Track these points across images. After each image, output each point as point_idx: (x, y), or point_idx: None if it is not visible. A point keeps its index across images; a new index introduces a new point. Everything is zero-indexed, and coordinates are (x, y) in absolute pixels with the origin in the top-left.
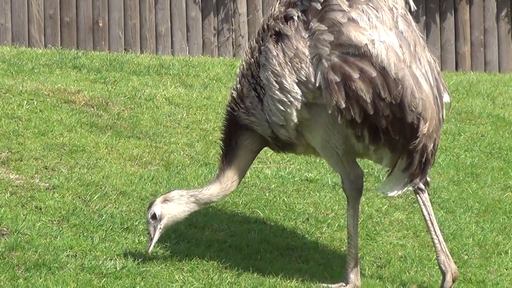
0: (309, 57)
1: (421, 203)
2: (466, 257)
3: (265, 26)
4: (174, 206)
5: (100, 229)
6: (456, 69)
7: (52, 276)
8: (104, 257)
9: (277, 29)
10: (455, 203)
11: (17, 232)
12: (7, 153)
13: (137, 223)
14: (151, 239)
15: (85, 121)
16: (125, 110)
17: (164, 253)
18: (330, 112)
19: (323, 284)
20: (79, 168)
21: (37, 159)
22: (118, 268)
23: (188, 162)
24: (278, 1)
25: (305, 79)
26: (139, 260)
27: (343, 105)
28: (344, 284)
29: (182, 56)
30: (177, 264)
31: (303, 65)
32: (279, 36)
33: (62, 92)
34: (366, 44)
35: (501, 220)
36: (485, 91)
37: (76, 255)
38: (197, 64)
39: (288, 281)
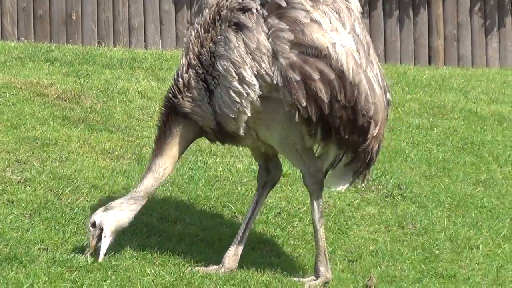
0: (269, 51)
1: (255, 202)
2: (437, 251)
3: (217, 16)
4: (115, 213)
5: (72, 222)
6: (429, 63)
7: (24, 269)
8: (76, 250)
9: (235, 20)
10: (427, 197)
11: None
12: None
13: None
14: (100, 250)
15: (58, 115)
16: (98, 104)
17: (135, 246)
18: (287, 109)
19: (295, 278)
20: (51, 162)
21: (9, 152)
22: (89, 262)
23: None
24: None
25: (264, 72)
26: (111, 253)
27: (304, 104)
28: (315, 278)
29: (155, 50)
30: (148, 257)
31: (264, 58)
32: (239, 27)
33: (35, 85)
34: (327, 47)
35: (472, 215)
36: (458, 86)
37: (47, 249)
38: (170, 58)
39: (260, 275)
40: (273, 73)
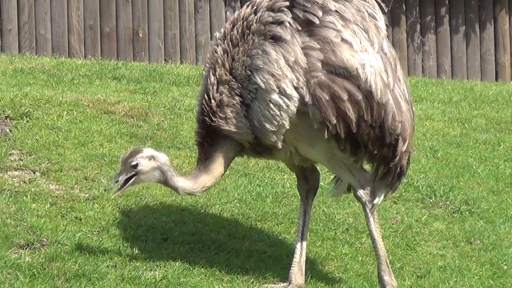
0: (305, 64)
1: (302, 213)
2: (506, 267)
3: (246, 30)
4: (153, 169)
5: (139, 239)
6: (496, 79)
7: (92, 287)
8: (144, 267)
9: (271, 33)
10: (495, 213)
11: (57, 242)
12: (47, 163)
13: (176, 234)
14: (121, 185)
15: (125, 132)
16: (165, 121)
17: (203, 263)
18: (315, 127)
19: None
20: None
21: (77, 170)
22: (157, 279)
23: (228, 172)
24: (253, 6)
25: (300, 85)
26: (179, 270)
27: (334, 122)
28: None
29: None
30: (216, 274)
31: (301, 71)
32: (276, 40)
33: (102, 102)
34: (357, 68)
35: None
36: None
37: (116, 266)
38: None
39: None
40: (303, 89)
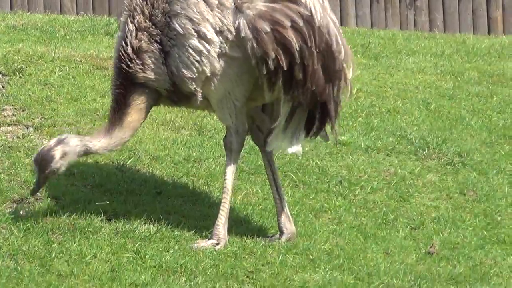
0: (232, 5)
1: (266, 163)
2: (499, 218)
3: None
4: (69, 158)
5: (133, 193)
6: (488, 33)
7: (87, 241)
8: (138, 221)
9: None
10: (488, 164)
11: (50, 197)
12: (40, 119)
13: (170, 187)
14: (39, 183)
15: None
16: None
17: (197, 216)
18: (254, 62)
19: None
20: None
21: (70, 125)
22: (152, 232)
23: (221, 126)
24: None
25: (226, 28)
26: (173, 224)
27: (273, 56)
28: (215, 242)
29: None
30: (210, 227)
31: (225, 14)
32: None
33: (95, 58)
34: None
35: None
36: None
37: (110, 220)
38: None
39: (322, 243)
40: (239, 27)
